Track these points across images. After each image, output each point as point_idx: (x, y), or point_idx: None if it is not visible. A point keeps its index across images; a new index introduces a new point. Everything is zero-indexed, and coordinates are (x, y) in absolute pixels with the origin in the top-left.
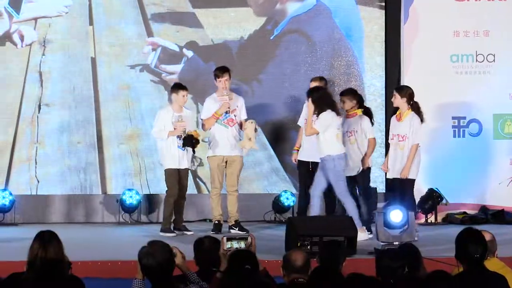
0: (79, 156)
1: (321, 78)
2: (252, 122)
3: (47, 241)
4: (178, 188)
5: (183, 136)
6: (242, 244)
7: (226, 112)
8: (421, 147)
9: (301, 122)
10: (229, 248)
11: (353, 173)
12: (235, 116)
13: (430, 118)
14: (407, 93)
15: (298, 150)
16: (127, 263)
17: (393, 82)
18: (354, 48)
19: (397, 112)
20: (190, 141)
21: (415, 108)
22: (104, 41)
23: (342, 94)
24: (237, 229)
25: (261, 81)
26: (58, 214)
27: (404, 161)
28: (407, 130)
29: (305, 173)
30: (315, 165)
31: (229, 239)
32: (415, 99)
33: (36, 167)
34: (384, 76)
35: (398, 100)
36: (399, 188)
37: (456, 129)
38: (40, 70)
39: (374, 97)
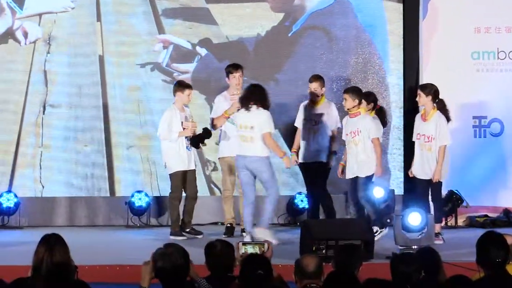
0: (86, 160)
1: (319, 77)
2: None
3: (53, 244)
4: (189, 190)
5: (191, 136)
6: (257, 250)
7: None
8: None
9: (298, 123)
10: (244, 253)
11: (360, 174)
12: None
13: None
14: (432, 90)
15: (296, 152)
16: (136, 268)
17: (412, 80)
18: (373, 44)
19: (422, 111)
20: (205, 133)
21: (441, 106)
22: (112, 38)
23: (344, 91)
24: None
25: (278, 80)
26: (65, 217)
27: (433, 163)
28: (433, 131)
29: (308, 175)
30: (316, 165)
31: (244, 244)
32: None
33: (40, 172)
34: (402, 74)
35: (423, 99)
36: (424, 190)
37: (477, 129)
38: (44, 69)
39: (396, 96)
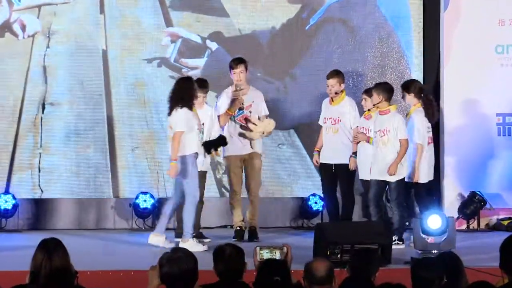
0: (88, 162)
1: (337, 73)
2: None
3: (51, 249)
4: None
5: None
6: (275, 254)
7: (240, 109)
8: (457, 146)
9: (321, 121)
10: (261, 258)
11: (388, 178)
12: (250, 112)
13: (472, 114)
14: (416, 88)
15: (319, 151)
16: (141, 273)
17: (432, 74)
18: (393, 38)
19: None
20: (220, 140)
21: (426, 103)
22: (116, 32)
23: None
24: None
25: (294, 76)
26: (66, 220)
27: (413, 162)
28: (411, 129)
29: (328, 175)
30: (338, 167)
31: (262, 248)
32: (431, 96)
33: (39, 176)
34: (422, 68)
35: (406, 97)
36: (408, 193)
37: (501, 127)
38: (44, 64)
39: None
